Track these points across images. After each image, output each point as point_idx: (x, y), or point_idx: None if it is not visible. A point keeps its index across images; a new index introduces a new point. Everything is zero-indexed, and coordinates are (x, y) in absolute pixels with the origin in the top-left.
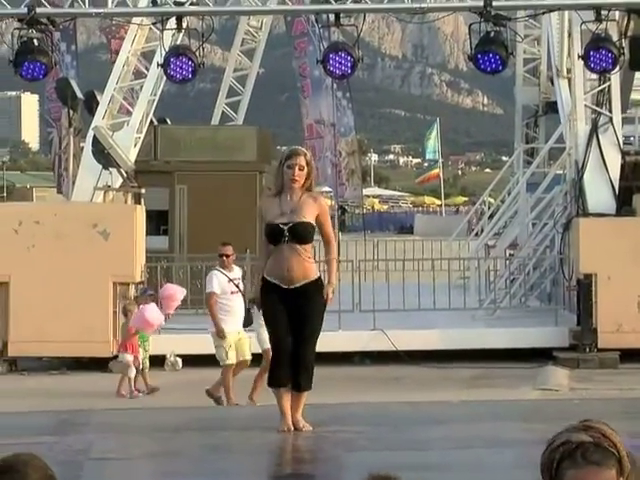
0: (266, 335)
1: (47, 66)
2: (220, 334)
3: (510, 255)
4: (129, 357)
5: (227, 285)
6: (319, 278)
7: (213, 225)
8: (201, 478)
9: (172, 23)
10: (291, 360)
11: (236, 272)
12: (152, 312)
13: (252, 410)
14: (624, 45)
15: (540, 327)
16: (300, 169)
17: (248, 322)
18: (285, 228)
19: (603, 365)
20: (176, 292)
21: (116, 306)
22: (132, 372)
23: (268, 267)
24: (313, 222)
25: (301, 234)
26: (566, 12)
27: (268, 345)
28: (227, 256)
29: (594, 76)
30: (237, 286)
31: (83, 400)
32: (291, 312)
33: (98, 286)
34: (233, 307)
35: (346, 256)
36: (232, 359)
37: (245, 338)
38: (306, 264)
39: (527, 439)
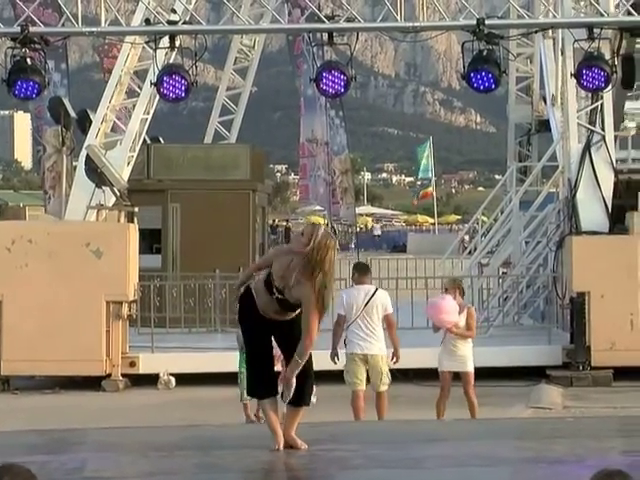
0: (444, 358)
1: (40, 85)
2: (398, 360)
3: (503, 273)
4: None
5: None
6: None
7: (206, 243)
8: None
9: (165, 42)
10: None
11: None
12: None
13: (247, 429)
14: (616, 63)
15: (533, 345)
16: (301, 235)
17: None
18: (276, 294)
19: (597, 383)
20: None
21: (109, 325)
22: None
23: (257, 287)
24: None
25: (286, 309)
26: (559, 35)
27: (444, 368)
28: None
29: (587, 94)
30: None
31: (76, 419)
32: (275, 330)
33: (91, 305)
34: None
35: (339, 275)
36: None
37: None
38: (289, 314)
39: (521, 457)
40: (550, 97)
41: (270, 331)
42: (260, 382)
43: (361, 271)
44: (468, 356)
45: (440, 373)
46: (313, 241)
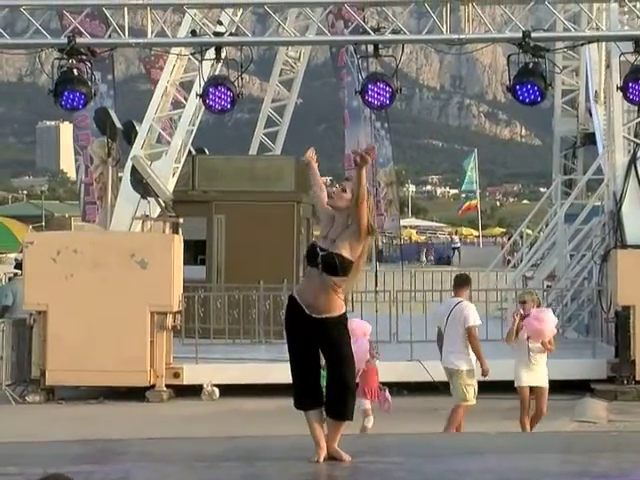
0: (523, 373)
1: (87, 96)
2: (486, 374)
3: (548, 286)
4: (367, 404)
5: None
6: (343, 314)
7: (250, 255)
8: None
9: (211, 53)
10: (329, 388)
11: None
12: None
13: (290, 440)
14: None
15: (578, 359)
16: (342, 190)
17: None
18: (320, 254)
19: None
20: (357, 327)
21: (153, 335)
22: (370, 421)
23: (299, 287)
24: (351, 257)
25: (331, 266)
26: (604, 43)
27: (523, 384)
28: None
29: (633, 107)
30: None
31: (121, 429)
32: (316, 340)
33: (136, 315)
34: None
35: (383, 286)
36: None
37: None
38: (333, 297)
39: (565, 471)
40: (593, 93)
41: (314, 340)
42: (305, 393)
43: (456, 284)
44: (545, 371)
45: (519, 388)
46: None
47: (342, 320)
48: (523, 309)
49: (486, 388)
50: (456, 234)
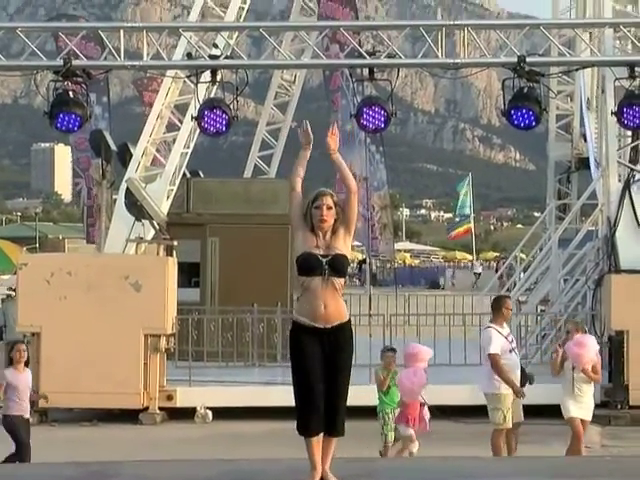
0: (571, 404)
1: (82, 118)
2: (518, 396)
3: (541, 311)
4: (410, 431)
5: (505, 343)
6: (350, 321)
7: (244, 278)
8: None
9: (206, 76)
10: (324, 406)
11: (506, 327)
12: (406, 377)
13: (284, 463)
14: None
15: None
16: (328, 208)
17: (525, 380)
18: (324, 260)
19: (635, 422)
20: (420, 352)
21: (147, 358)
22: (415, 447)
23: (300, 305)
24: (348, 255)
25: (339, 267)
26: (595, 71)
27: (572, 414)
28: (510, 310)
29: (626, 132)
30: (511, 342)
31: (114, 452)
32: (324, 356)
33: (129, 338)
34: (511, 366)
35: (377, 310)
36: (509, 422)
37: (519, 399)
38: (340, 301)
39: None
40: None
41: (322, 357)
42: (312, 418)
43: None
44: (591, 403)
45: (569, 419)
46: (338, 205)
47: (350, 328)
48: (568, 339)
49: (476, 413)
50: (477, 260)
